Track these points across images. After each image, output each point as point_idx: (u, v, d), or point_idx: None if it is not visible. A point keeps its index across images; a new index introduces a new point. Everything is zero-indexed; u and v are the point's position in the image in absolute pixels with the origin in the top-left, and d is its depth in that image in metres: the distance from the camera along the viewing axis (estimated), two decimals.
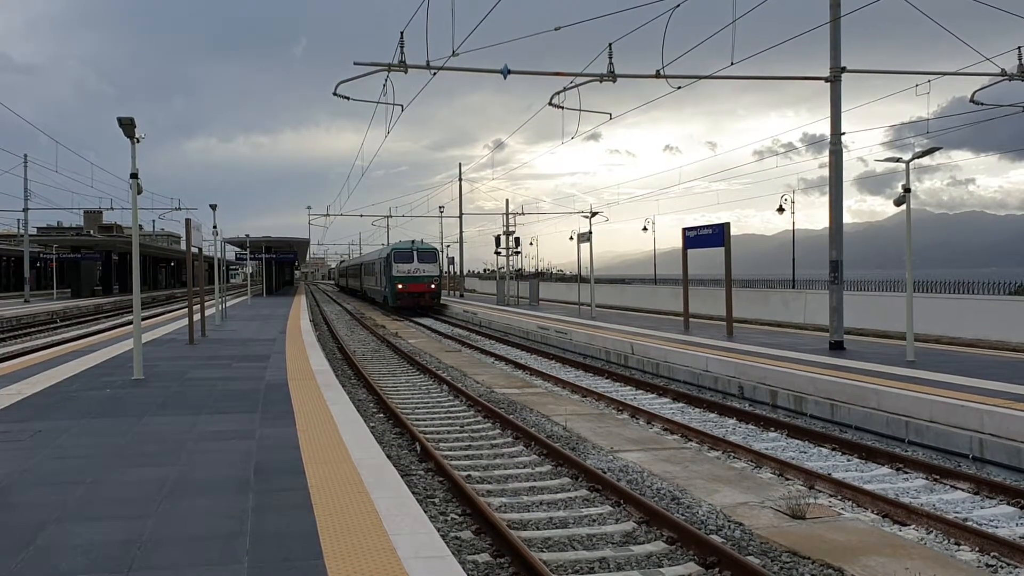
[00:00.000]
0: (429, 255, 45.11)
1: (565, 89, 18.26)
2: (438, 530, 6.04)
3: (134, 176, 13.45)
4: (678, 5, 15.03)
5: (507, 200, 66.25)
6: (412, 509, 6.02)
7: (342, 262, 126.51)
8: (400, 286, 43.55)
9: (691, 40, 17.71)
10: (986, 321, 20.83)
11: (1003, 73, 17.53)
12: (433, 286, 44.49)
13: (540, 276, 69.95)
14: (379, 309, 49.71)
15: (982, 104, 18.44)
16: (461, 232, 59.36)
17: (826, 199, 18.32)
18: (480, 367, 20.26)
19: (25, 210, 53.63)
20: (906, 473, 9.88)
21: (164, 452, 7.92)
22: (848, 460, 10.59)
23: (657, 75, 17.31)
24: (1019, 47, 17.48)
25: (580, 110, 18.80)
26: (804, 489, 9.06)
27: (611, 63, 17.42)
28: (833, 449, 11.13)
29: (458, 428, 12.77)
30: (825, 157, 18.41)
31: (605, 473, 9.37)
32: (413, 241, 46.94)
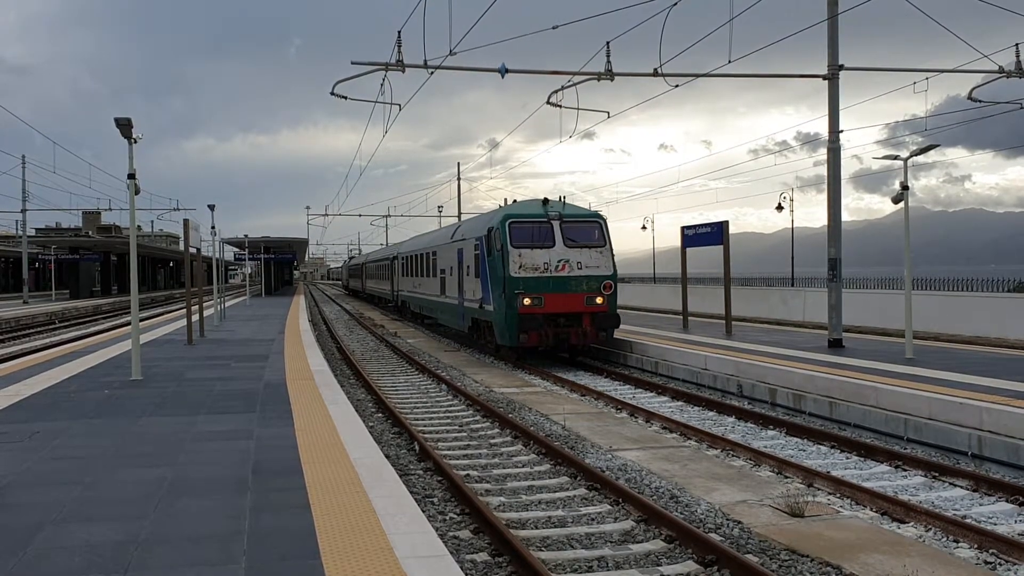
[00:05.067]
0: (587, 228, 20.81)
1: (563, 88, 18.26)
2: (436, 529, 6.04)
3: (132, 176, 13.45)
4: (676, 3, 15.01)
5: (505, 199, 66.27)
6: (410, 508, 6.01)
7: (351, 258, 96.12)
8: (527, 301, 19.47)
9: (689, 38, 17.72)
10: (985, 318, 20.83)
11: (1001, 70, 17.54)
12: (600, 300, 19.99)
13: None
14: (452, 340, 27.62)
15: (980, 101, 18.45)
16: None
17: (823, 197, 18.33)
18: (479, 366, 20.25)
19: (23, 211, 53.68)
20: (905, 471, 9.88)
21: (162, 452, 7.91)
22: (847, 458, 10.59)
23: (655, 73, 17.30)
24: (1016, 44, 17.50)
25: (578, 108, 18.78)
26: (803, 487, 9.06)
27: (609, 61, 17.41)
28: (832, 447, 11.13)
29: (457, 427, 12.76)
30: (820, 155, 18.46)
31: (604, 472, 9.37)
32: (547, 200, 21.14)
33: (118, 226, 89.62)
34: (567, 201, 21.47)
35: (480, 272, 21.58)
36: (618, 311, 20.34)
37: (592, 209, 22.06)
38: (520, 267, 19.61)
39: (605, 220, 21.05)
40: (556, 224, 20.32)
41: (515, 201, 22.60)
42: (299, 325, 26.16)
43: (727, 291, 22.67)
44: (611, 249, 20.45)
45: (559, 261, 19.84)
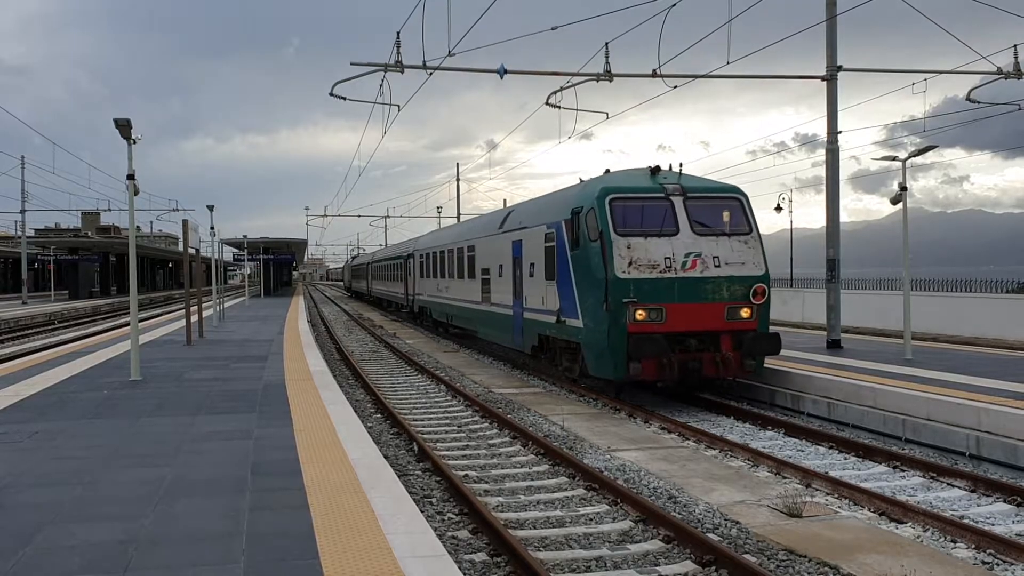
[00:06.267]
0: (722, 207, 14.62)
1: (562, 88, 18.27)
2: (435, 529, 6.06)
3: (131, 177, 13.47)
4: (674, 4, 15.03)
5: (504, 200, 66.14)
6: (409, 508, 6.02)
7: (354, 257, 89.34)
8: (640, 314, 13.40)
9: (687, 39, 17.75)
10: (984, 319, 20.86)
11: (999, 71, 17.57)
12: (747, 312, 13.87)
13: None
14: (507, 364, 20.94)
15: (978, 102, 18.48)
16: None
17: (821, 197, 18.34)
18: (478, 367, 20.27)
19: (22, 211, 53.73)
20: (903, 471, 9.89)
21: (161, 452, 7.92)
22: (845, 458, 10.60)
23: (654, 74, 17.32)
24: (1015, 45, 17.53)
25: (577, 109, 18.78)
26: (801, 487, 9.07)
27: (607, 62, 17.44)
28: (830, 447, 11.14)
29: (456, 428, 12.78)
30: (818, 156, 18.46)
31: (602, 472, 9.38)
32: (657, 168, 15.01)
33: (117, 227, 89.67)
34: (678, 168, 15.05)
35: (557, 272, 15.65)
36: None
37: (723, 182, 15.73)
38: (630, 264, 13.53)
39: (747, 196, 14.75)
40: (678, 201, 14.14)
41: (606, 171, 16.16)
42: (298, 326, 26.17)
43: None
44: (760, 238, 14.43)
45: (687, 256, 13.76)
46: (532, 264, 17.46)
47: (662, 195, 14.21)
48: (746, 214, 14.48)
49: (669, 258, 13.71)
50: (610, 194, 14.12)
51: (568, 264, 15.08)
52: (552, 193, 19.05)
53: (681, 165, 15.16)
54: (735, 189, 14.97)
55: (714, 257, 13.87)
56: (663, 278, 13.59)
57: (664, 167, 15.09)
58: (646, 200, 14.23)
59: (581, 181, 16.71)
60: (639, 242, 13.74)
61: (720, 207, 14.51)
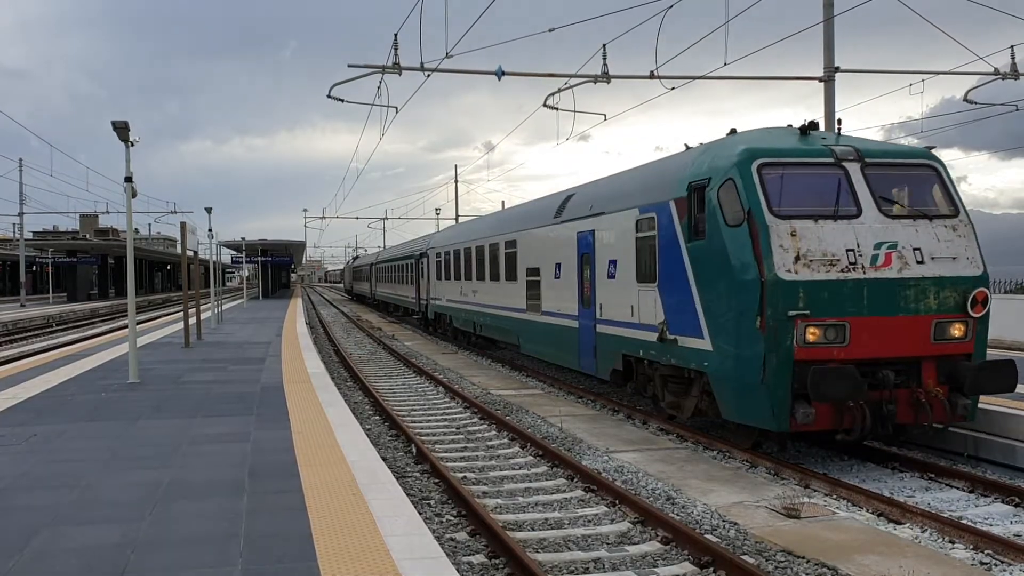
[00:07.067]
0: (912, 179, 10.32)
1: (560, 90, 18.29)
2: (433, 532, 6.06)
3: (129, 179, 13.47)
4: (671, 6, 15.06)
5: (503, 202, 66.16)
6: (406, 511, 6.02)
7: (356, 258, 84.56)
8: (813, 334, 9.11)
9: (685, 40, 17.76)
10: None
11: (996, 72, 17.60)
12: (959, 330, 9.55)
13: None
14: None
15: (976, 103, 18.52)
16: None
17: None
18: (476, 368, 20.26)
19: (20, 214, 53.76)
20: (901, 472, 9.89)
21: (159, 455, 7.92)
22: (844, 459, 10.60)
23: (651, 76, 17.34)
24: (1012, 46, 17.57)
25: (575, 111, 18.81)
26: (799, 488, 9.07)
27: (605, 64, 17.46)
28: (829, 448, 11.13)
29: (454, 430, 12.77)
30: None
31: (600, 473, 9.38)
32: (811, 126, 10.75)
33: (115, 229, 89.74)
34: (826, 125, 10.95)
35: (659, 271, 11.70)
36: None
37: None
38: (797, 259, 9.38)
39: (944, 164, 10.66)
40: (854, 169, 10.07)
41: (732, 131, 11.65)
42: (296, 328, 26.16)
43: None
44: (971, 223, 10.28)
45: (877, 247, 9.66)
46: (612, 261, 13.50)
47: (831, 160, 10.07)
48: (948, 189, 10.41)
49: (853, 250, 9.56)
50: (758, 158, 9.95)
51: (683, 260, 10.99)
52: (640, 167, 14.28)
53: (840, 122, 11.41)
54: (928, 154, 10.89)
55: (915, 249, 9.73)
56: (847, 280, 9.40)
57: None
58: (809, 167, 10.09)
59: (688, 147, 12.38)
60: (808, 227, 9.56)
61: (911, 178, 10.45)
